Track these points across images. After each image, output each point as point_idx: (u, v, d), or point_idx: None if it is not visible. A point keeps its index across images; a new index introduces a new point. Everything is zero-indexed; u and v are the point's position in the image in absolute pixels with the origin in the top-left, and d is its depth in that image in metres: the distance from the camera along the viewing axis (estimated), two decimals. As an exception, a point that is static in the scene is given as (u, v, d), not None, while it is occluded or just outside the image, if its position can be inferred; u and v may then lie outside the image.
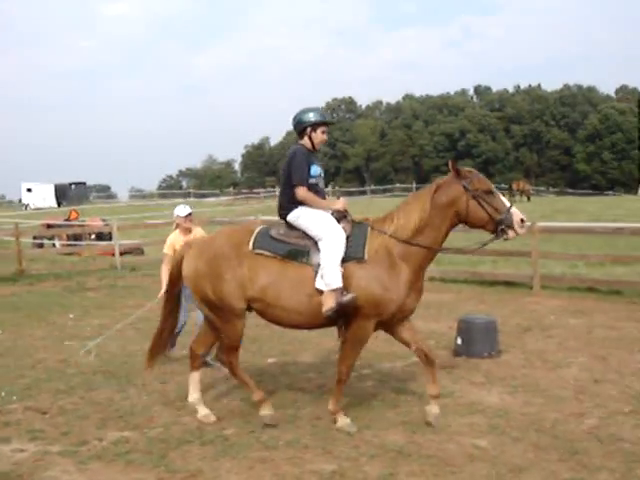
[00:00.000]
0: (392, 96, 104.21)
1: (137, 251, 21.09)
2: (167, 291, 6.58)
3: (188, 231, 8.20)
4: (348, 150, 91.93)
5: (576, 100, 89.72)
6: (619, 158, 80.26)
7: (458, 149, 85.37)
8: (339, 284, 5.58)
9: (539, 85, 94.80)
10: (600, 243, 17.29)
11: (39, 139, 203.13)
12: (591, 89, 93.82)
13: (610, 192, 63.12)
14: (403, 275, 5.76)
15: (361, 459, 5.27)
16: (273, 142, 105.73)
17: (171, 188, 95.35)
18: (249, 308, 5.99)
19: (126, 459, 5.42)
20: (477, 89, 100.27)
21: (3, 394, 7.09)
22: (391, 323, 5.97)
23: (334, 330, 6.10)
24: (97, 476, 5.16)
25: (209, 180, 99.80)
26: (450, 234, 6.04)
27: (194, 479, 5.05)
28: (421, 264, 5.89)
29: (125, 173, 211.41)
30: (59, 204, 56.92)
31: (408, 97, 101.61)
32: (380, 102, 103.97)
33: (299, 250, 5.85)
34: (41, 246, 21.95)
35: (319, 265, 5.68)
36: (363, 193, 63.46)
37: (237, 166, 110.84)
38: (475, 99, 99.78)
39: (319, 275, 5.67)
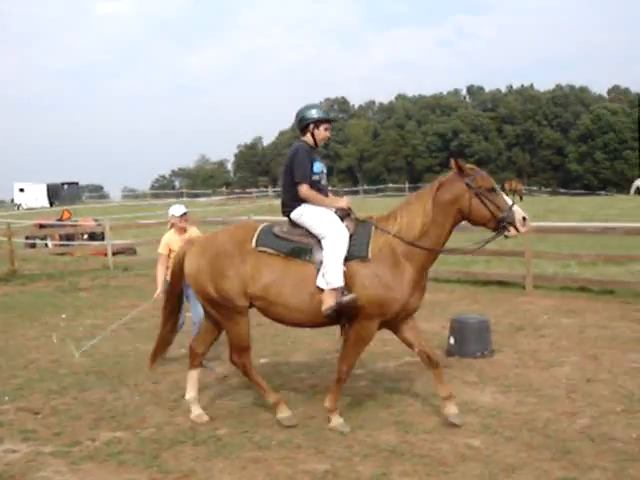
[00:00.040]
0: (385, 96, 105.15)
1: (130, 251, 21.08)
2: (169, 290, 6.55)
3: (183, 231, 8.15)
4: (341, 150, 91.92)
5: (568, 100, 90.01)
6: (611, 158, 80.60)
7: (451, 149, 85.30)
8: (340, 283, 5.56)
9: (531, 85, 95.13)
10: (592, 243, 17.33)
11: (31, 139, 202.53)
12: (583, 89, 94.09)
13: (602, 192, 63.37)
14: (407, 274, 5.74)
15: (354, 459, 5.27)
16: (266, 142, 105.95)
17: (164, 188, 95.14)
18: (251, 305, 5.96)
19: (118, 459, 5.41)
20: (470, 89, 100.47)
21: (-5, 395, 7.07)
22: (394, 322, 5.95)
23: (327, 330, 6.10)
24: (89, 476, 5.15)
25: (202, 180, 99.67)
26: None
27: (187, 479, 5.05)
28: (424, 263, 5.86)
29: (118, 173, 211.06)
30: (51, 204, 56.80)
31: (401, 97, 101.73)
32: (373, 102, 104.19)
33: (302, 248, 5.82)
34: (33, 246, 21.87)
35: (321, 263, 5.67)
36: (356, 193, 63.49)
37: (230, 166, 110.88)
38: (468, 99, 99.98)
39: (320, 273, 5.66)
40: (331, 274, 5.56)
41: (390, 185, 69.84)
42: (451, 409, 5.91)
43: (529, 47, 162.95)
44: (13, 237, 17.84)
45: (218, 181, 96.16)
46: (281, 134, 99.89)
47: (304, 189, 5.91)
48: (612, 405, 6.30)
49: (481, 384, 7.06)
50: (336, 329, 6.11)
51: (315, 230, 5.82)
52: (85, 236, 22.45)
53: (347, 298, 5.55)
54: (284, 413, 6.04)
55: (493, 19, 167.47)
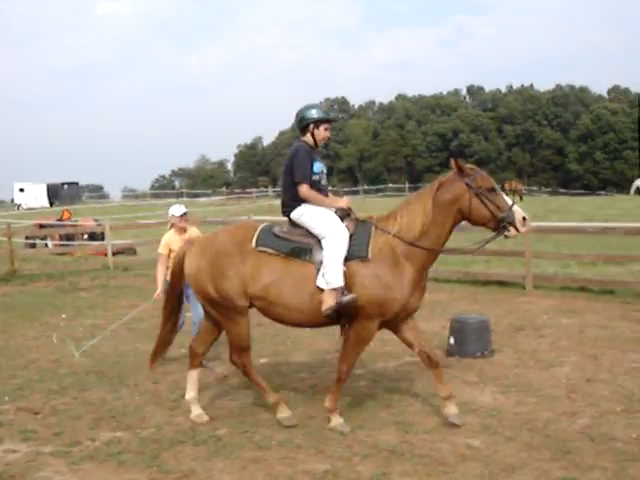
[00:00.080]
0: (385, 96, 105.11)
1: (130, 251, 21.08)
2: (169, 290, 6.55)
3: (183, 231, 8.14)
4: (341, 150, 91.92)
5: (568, 100, 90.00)
6: (611, 158, 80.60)
7: (451, 149, 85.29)
8: (340, 283, 5.56)
9: (532, 85, 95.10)
10: (592, 243, 17.33)
11: (31, 139, 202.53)
12: (583, 89, 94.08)
13: (602, 192, 63.36)
14: (407, 274, 5.73)
15: (354, 459, 5.27)
16: (266, 142, 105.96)
17: (164, 188, 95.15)
18: (251, 305, 5.95)
19: (118, 459, 5.41)
20: (470, 89, 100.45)
21: (-5, 395, 7.07)
22: (394, 322, 5.95)
23: (327, 330, 6.10)
24: (89, 477, 5.15)
25: (202, 180, 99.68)
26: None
27: (187, 479, 5.04)
28: (425, 263, 5.85)
29: (118, 173, 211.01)
30: (51, 204, 56.80)
31: (401, 97, 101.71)
32: (373, 102, 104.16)
33: (302, 248, 5.81)
34: (33, 246, 21.87)
35: (321, 263, 5.67)
36: (356, 193, 63.50)
37: (230, 166, 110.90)
38: (468, 99, 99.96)
39: (320, 273, 5.66)
40: (331, 274, 5.56)
41: (390, 185, 69.84)
42: (451, 409, 5.91)
43: (529, 47, 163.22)
44: (13, 237, 17.84)
45: (218, 181, 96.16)
46: (281, 134, 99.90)
47: (304, 189, 5.91)
48: (612, 405, 6.30)
49: (481, 384, 7.06)
50: (336, 329, 6.11)
51: (315, 230, 5.81)
52: (85, 236, 22.45)
53: (347, 298, 5.55)
54: (284, 413, 6.04)
55: (493, 19, 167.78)
